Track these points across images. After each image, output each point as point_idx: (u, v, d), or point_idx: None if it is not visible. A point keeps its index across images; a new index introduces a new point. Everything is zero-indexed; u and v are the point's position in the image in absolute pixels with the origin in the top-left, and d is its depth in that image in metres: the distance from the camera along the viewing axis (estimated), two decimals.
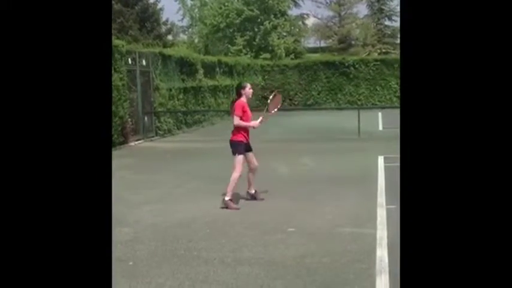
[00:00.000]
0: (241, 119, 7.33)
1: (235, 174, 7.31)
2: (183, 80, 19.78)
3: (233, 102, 7.65)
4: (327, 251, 5.28)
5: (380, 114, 22.49)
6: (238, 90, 7.62)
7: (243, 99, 7.48)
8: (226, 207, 7.18)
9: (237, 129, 7.38)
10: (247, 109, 7.46)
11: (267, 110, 7.91)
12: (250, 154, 7.52)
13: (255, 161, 7.57)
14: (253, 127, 7.48)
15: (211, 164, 10.83)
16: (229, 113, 7.33)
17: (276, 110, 8.05)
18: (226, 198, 7.24)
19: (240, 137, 7.36)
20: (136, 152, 14.19)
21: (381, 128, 18.87)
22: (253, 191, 7.67)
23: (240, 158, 7.33)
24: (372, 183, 8.49)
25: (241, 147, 7.36)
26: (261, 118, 7.61)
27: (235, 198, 7.45)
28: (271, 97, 8.16)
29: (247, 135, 7.50)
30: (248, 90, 7.53)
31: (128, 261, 5.16)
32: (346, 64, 30.26)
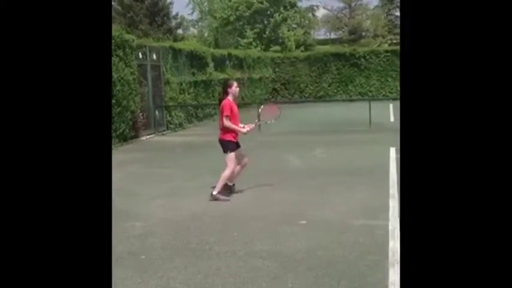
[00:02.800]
0: (229, 118, 7.31)
1: (227, 172, 7.32)
2: (193, 74, 19.80)
3: (220, 100, 7.59)
4: (339, 243, 5.26)
5: (391, 105, 22.36)
6: (225, 88, 7.51)
7: (230, 97, 7.41)
8: (215, 200, 7.21)
9: (226, 128, 7.34)
10: (235, 108, 7.44)
11: (259, 119, 8.24)
12: (239, 149, 7.53)
13: (245, 157, 7.63)
14: (243, 133, 7.47)
15: (222, 157, 10.84)
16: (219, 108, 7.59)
17: (272, 120, 8.23)
18: (214, 193, 7.25)
19: (229, 137, 7.37)
20: (148, 146, 14.23)
21: (392, 119, 18.76)
22: (232, 184, 7.62)
23: (231, 155, 7.35)
24: (383, 175, 8.45)
25: (232, 145, 7.38)
26: (250, 126, 7.61)
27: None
28: (261, 108, 8.46)
29: (236, 134, 7.47)
30: (234, 88, 7.46)
31: (140, 255, 5.18)
32: (357, 55, 30.14)
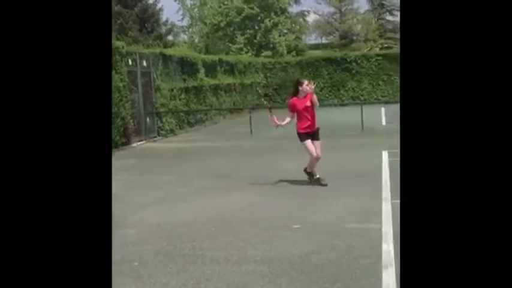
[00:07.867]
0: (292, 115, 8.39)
1: (310, 158, 8.31)
2: (184, 80, 19.77)
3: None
4: (333, 247, 5.25)
5: (383, 109, 22.43)
6: (296, 87, 8.38)
7: (301, 94, 8.27)
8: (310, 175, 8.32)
9: (298, 122, 8.37)
10: (300, 104, 8.29)
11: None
12: (316, 143, 8.36)
13: (318, 151, 8.34)
14: (279, 126, 8.48)
15: (214, 162, 10.83)
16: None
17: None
18: (309, 170, 8.35)
19: (299, 129, 8.37)
20: (139, 153, 14.18)
21: (384, 123, 18.80)
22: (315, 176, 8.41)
23: (305, 143, 8.30)
24: (376, 178, 8.46)
25: (301, 136, 8.35)
26: (286, 120, 8.57)
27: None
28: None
29: (308, 126, 8.33)
30: (305, 86, 8.24)
31: (134, 261, 5.14)
32: (348, 60, 30.22)
